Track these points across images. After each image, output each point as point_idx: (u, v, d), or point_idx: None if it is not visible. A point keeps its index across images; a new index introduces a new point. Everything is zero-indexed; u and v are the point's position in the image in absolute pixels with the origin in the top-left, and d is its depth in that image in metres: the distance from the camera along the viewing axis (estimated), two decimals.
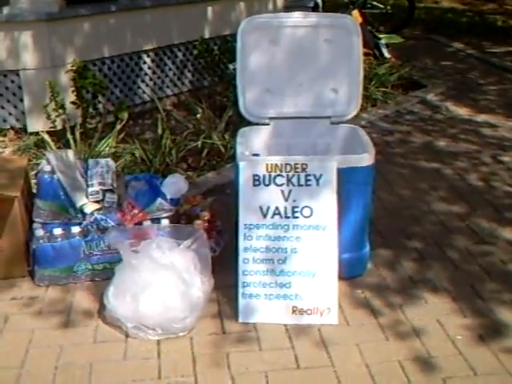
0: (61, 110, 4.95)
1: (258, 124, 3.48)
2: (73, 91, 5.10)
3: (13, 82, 5.25)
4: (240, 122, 3.60)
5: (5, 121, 5.34)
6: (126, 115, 5.16)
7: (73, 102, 5.06)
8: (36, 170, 3.80)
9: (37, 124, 5.27)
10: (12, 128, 5.36)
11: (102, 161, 3.52)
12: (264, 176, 3.02)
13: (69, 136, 4.63)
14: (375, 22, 8.85)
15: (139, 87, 6.00)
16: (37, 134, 5.21)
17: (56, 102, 4.91)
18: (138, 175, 3.74)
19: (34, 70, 5.19)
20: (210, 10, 6.52)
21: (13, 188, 3.21)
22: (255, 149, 3.42)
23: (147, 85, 6.07)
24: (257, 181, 3.02)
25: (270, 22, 3.46)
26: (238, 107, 3.45)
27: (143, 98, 6.05)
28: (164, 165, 4.43)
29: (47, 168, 3.32)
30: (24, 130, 5.34)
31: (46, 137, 4.75)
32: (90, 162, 3.51)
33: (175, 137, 4.80)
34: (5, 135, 5.32)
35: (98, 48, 5.55)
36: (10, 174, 3.38)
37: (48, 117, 4.92)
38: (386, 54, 7.35)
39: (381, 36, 7.63)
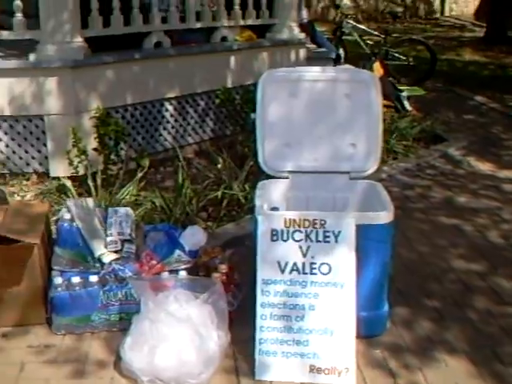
0: (83, 156, 4.99)
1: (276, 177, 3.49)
2: (95, 138, 5.14)
3: (37, 126, 5.31)
4: (261, 172, 3.60)
5: (28, 164, 5.38)
6: (147, 163, 5.19)
7: (95, 149, 5.09)
8: (56, 217, 3.81)
9: (59, 169, 5.31)
10: (35, 172, 5.40)
11: (122, 210, 3.53)
12: (282, 231, 3.01)
13: (90, 182, 4.65)
14: (397, 74, 8.92)
15: (161, 135, 6.05)
16: (59, 178, 5.24)
17: (78, 148, 4.96)
18: (157, 225, 3.74)
19: (57, 115, 5.24)
20: (232, 59, 6.59)
21: (33, 234, 3.23)
22: (274, 202, 3.42)
23: (169, 132, 6.11)
24: (275, 235, 3.01)
25: (289, 75, 3.51)
26: (257, 159, 3.46)
27: (165, 146, 6.09)
28: (184, 214, 4.42)
29: (67, 216, 3.34)
30: (46, 174, 5.38)
31: (68, 183, 4.77)
32: (110, 210, 3.53)
33: (196, 186, 4.80)
34: (27, 179, 5.37)
35: (122, 95, 5.61)
36: (31, 219, 3.40)
37: (70, 163, 4.96)
38: (408, 107, 7.38)
39: (402, 88, 7.67)
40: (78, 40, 5.25)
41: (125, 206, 4.10)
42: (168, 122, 6.10)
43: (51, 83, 5.19)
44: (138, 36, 5.91)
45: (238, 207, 4.83)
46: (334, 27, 10.64)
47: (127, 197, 4.48)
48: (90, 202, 3.54)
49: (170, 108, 6.09)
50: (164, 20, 6.09)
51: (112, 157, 5.19)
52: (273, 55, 7.04)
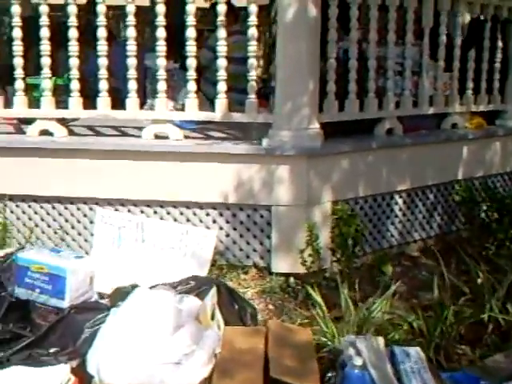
0: (315, 255, 4.44)
1: None
2: (331, 233, 4.59)
3: (262, 216, 4.84)
4: None
5: (248, 257, 4.91)
6: (390, 269, 4.55)
7: (331, 249, 4.53)
8: (340, 360, 3.08)
9: (282, 264, 4.81)
10: (255, 266, 4.91)
11: (412, 351, 2.86)
12: None
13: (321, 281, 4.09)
14: None
15: (388, 230, 5.42)
16: (280, 274, 4.71)
17: (313, 247, 4.41)
18: (453, 374, 3.03)
19: (286, 206, 4.76)
20: (465, 149, 5.91)
21: (310, 377, 2.63)
22: None
23: (396, 227, 5.48)
24: None
25: None
26: None
27: (390, 242, 5.45)
28: (445, 339, 3.72)
29: (358, 361, 2.71)
30: (267, 269, 4.88)
31: (316, 293, 4.17)
32: (397, 350, 2.87)
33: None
34: (246, 273, 4.89)
35: (354, 187, 5.07)
36: (299, 351, 2.82)
37: (303, 262, 4.43)
38: None
39: None
40: (315, 126, 4.77)
41: (376, 326, 3.48)
42: (396, 216, 5.47)
43: (283, 171, 4.72)
44: (369, 121, 5.37)
45: (497, 330, 4.06)
46: None
47: (378, 314, 3.82)
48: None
49: (400, 201, 5.47)
50: (397, 105, 5.52)
51: (344, 256, 4.59)
52: (505, 145, 6.29)
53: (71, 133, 5.13)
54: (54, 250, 4.06)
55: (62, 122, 5.09)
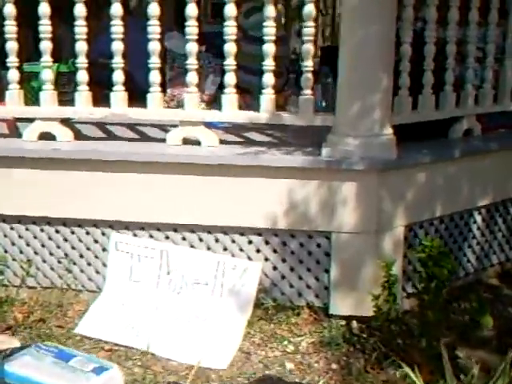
0: (392, 301, 3.45)
1: None
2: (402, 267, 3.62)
3: (319, 246, 3.84)
4: None
5: (300, 295, 3.92)
6: (491, 322, 3.55)
7: (413, 294, 3.53)
8: None
9: (343, 305, 3.80)
10: (308, 306, 3.92)
11: None
12: None
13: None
14: None
15: (465, 254, 4.41)
16: (340, 317, 3.74)
17: (389, 292, 3.41)
18: None
19: (350, 233, 3.74)
20: None
21: None
22: None
23: (473, 251, 4.46)
24: None
25: None
26: None
27: (467, 269, 4.46)
28: None
29: None
30: (324, 310, 3.89)
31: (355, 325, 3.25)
32: None
33: None
34: (298, 314, 3.89)
35: (430, 205, 4.06)
36: None
37: (377, 309, 3.43)
38: None
39: None
40: (388, 132, 3.75)
41: None
42: (474, 237, 4.45)
43: (348, 190, 3.73)
44: (441, 121, 4.33)
45: None
46: None
47: None
48: None
49: (479, 219, 4.45)
50: (475, 100, 4.48)
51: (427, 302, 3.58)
52: None
53: (78, 136, 4.09)
54: (60, 353, 2.93)
55: (67, 121, 4.05)
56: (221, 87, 4.12)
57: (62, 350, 3.03)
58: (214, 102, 4.56)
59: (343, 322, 3.85)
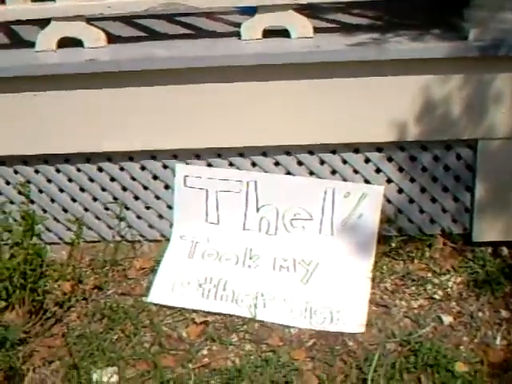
0: None
1: None
2: None
3: (459, 158, 2.97)
4: None
5: (433, 222, 3.04)
6: None
7: None
8: None
9: (491, 231, 3.01)
10: (443, 234, 3.03)
11: None
12: None
13: None
14: None
15: None
16: (485, 244, 2.91)
17: None
18: None
19: (504, 139, 2.85)
20: None
21: None
22: None
23: None
24: None
25: None
26: None
27: None
28: None
29: None
30: (464, 238, 3.04)
31: None
32: None
33: None
34: (429, 246, 3.00)
35: None
36: None
37: None
38: None
39: None
40: None
41: None
42: None
43: (504, 83, 2.71)
44: None
45: None
46: None
47: None
48: None
49: None
50: None
51: None
52: None
53: (113, 38, 2.92)
54: None
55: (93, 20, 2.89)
56: None
57: None
58: None
59: (490, 251, 2.98)
